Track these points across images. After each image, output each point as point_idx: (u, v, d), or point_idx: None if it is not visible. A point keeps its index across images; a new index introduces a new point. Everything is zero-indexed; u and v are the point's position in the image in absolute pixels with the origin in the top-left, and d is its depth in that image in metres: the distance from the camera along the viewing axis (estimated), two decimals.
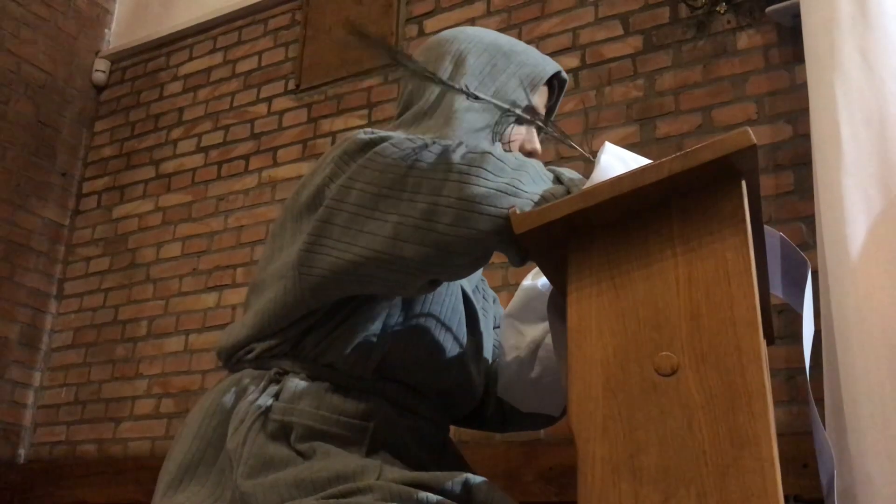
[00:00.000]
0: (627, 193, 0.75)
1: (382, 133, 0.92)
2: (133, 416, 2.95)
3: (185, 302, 3.00)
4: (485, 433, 2.31)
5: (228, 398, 0.96)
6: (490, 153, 0.84)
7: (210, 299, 2.95)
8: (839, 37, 1.53)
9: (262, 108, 3.13)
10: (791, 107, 2.16)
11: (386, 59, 1.02)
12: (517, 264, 0.86)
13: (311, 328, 0.96)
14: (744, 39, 2.32)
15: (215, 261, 2.99)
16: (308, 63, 3.07)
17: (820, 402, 1.60)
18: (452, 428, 2.29)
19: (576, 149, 0.93)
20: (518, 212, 0.80)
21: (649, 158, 0.81)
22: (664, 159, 0.74)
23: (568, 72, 2.53)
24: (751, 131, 0.72)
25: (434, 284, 0.92)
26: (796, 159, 2.11)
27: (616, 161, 0.80)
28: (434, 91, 1.06)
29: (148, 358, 3.00)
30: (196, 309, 2.97)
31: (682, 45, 2.40)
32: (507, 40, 1.11)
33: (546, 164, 0.91)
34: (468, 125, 1.03)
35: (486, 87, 1.06)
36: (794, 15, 1.97)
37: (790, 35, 2.18)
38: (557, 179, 0.85)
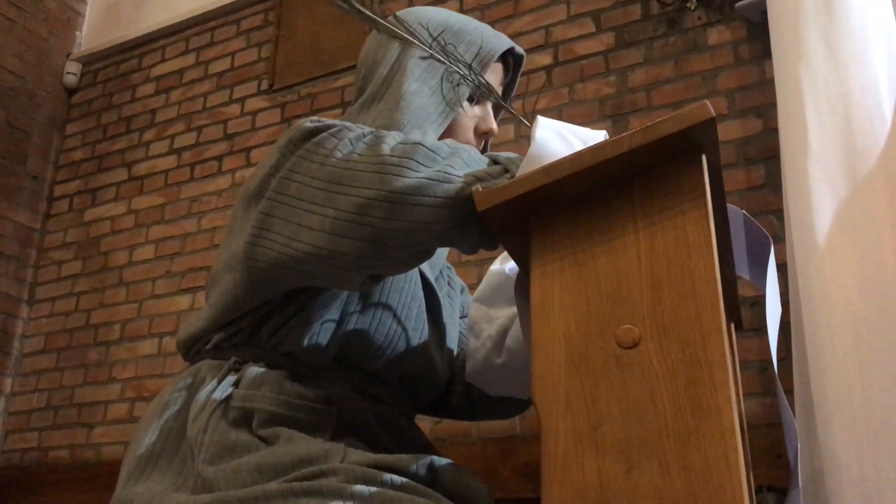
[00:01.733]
0: (588, 169, 0.75)
1: (327, 122, 0.91)
2: (106, 421, 2.91)
3: (159, 305, 2.98)
4: (461, 430, 2.31)
5: (187, 388, 0.95)
6: (421, 143, 0.83)
7: (184, 301, 2.92)
8: (804, 27, 1.55)
9: (235, 109, 3.11)
10: (761, 101, 2.17)
11: (366, 21, 1.01)
12: (467, 251, 0.85)
13: (268, 317, 0.95)
14: (714, 35, 2.34)
15: (189, 263, 2.97)
16: (281, 63, 3.06)
17: (790, 392, 1.62)
18: (430, 426, 2.28)
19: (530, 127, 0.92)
20: (467, 193, 0.78)
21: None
22: (624, 134, 0.74)
23: (541, 69, 2.56)
24: (709, 104, 0.72)
25: (376, 279, 0.91)
26: (767, 153, 2.12)
27: (552, 133, 0.79)
28: (382, 74, 1.06)
29: (121, 362, 2.96)
30: (170, 311, 2.94)
31: (653, 41, 2.42)
32: (457, 19, 1.09)
33: (504, 145, 0.90)
34: (417, 108, 1.02)
35: (436, 68, 1.04)
36: (763, 11, 1.99)
37: (759, 31, 2.20)
38: (494, 161, 0.84)
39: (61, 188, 3.43)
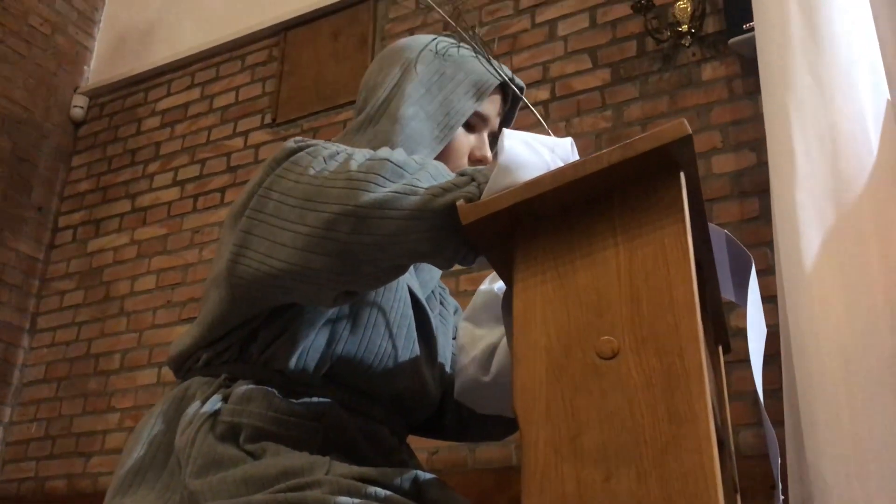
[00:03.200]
0: (569, 184, 0.77)
1: (310, 141, 0.93)
2: (104, 451, 2.91)
3: (159, 334, 2.99)
4: (457, 460, 2.30)
5: (177, 404, 0.96)
6: (388, 159, 0.83)
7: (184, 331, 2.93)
8: (792, 59, 1.58)
9: (238, 142, 3.16)
10: (754, 135, 2.20)
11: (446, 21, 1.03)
12: (441, 266, 0.85)
13: (255, 333, 0.96)
14: (708, 71, 2.38)
15: (189, 293, 2.99)
16: (284, 97, 3.11)
17: (781, 423, 1.62)
18: (426, 457, 2.27)
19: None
20: (435, 206, 0.79)
21: None
22: (604, 150, 0.76)
23: (538, 104, 2.59)
24: (686, 122, 0.74)
25: (350, 295, 0.90)
26: (760, 186, 2.15)
27: (519, 143, 0.79)
28: (381, 97, 1.08)
29: (120, 391, 2.97)
30: (170, 341, 2.95)
31: (648, 77, 2.46)
32: (459, 47, 1.11)
33: None
34: (412, 132, 1.04)
35: (434, 94, 1.06)
36: (756, 47, 2.03)
37: (752, 66, 2.24)
38: (462, 174, 0.84)
39: (65, 219, 3.47)
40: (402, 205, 0.79)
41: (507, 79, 1.08)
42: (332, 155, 0.88)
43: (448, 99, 1.06)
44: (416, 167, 0.84)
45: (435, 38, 1.13)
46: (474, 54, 1.05)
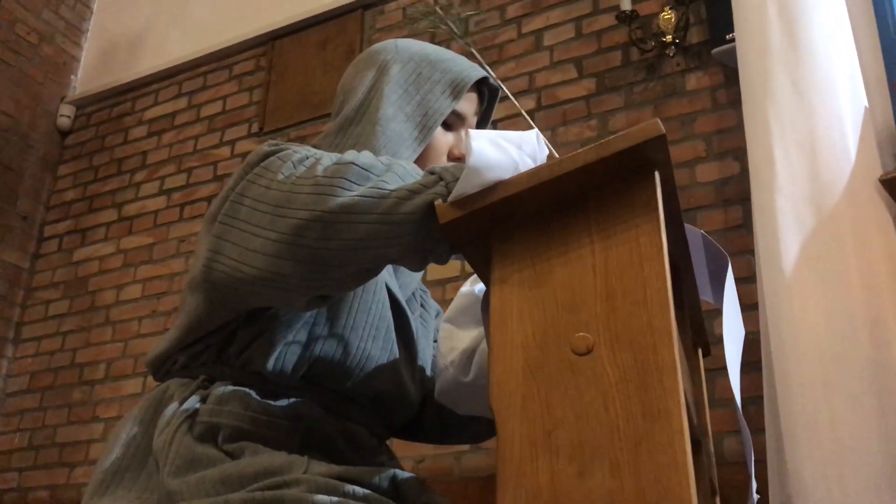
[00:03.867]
0: (546, 183, 0.77)
1: (283, 144, 0.93)
2: (88, 461, 2.89)
3: (145, 343, 2.98)
4: (443, 469, 2.30)
5: (155, 405, 0.96)
6: (353, 162, 0.83)
7: None
8: (771, 66, 1.60)
9: (225, 151, 3.16)
10: (738, 144, 2.22)
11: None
12: (413, 268, 0.85)
13: (232, 336, 0.96)
14: (692, 81, 2.40)
15: (175, 302, 2.98)
16: (271, 107, 3.11)
17: (762, 430, 1.63)
18: (412, 465, 2.27)
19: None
20: (405, 209, 0.79)
21: None
22: (579, 150, 0.77)
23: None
24: (660, 122, 0.75)
25: (323, 300, 0.91)
26: (744, 194, 2.16)
27: (485, 143, 0.79)
28: (359, 99, 1.09)
29: (105, 401, 2.95)
30: None
31: (633, 86, 2.48)
32: (434, 49, 1.13)
33: None
34: (392, 133, 1.04)
35: (411, 95, 1.07)
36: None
37: (736, 76, 2.25)
38: (430, 171, 0.84)
39: (51, 228, 3.45)
40: (369, 208, 0.79)
41: (488, 71, 1.09)
42: (301, 160, 0.89)
43: (426, 99, 1.07)
44: (382, 168, 0.84)
45: (401, 40, 1.14)
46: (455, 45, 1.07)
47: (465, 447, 2.31)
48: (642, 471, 0.67)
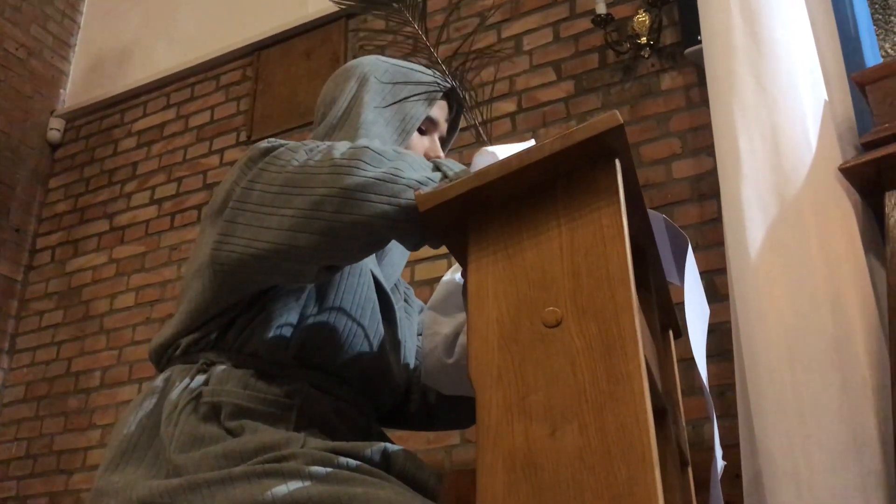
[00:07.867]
0: (515, 172, 0.84)
1: (282, 141, 1.03)
2: (85, 468, 2.93)
3: (139, 351, 3.03)
4: (435, 462, 2.35)
5: (160, 391, 1.03)
6: (368, 147, 0.93)
7: None
8: (736, 63, 1.68)
9: (214, 160, 3.22)
10: (711, 141, 2.25)
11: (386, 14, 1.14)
12: (410, 248, 0.95)
13: (233, 321, 1.04)
14: (667, 81, 2.48)
15: (168, 309, 3.03)
16: (259, 116, 3.18)
17: (735, 416, 1.70)
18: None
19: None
20: (411, 195, 0.88)
21: None
22: (546, 141, 0.84)
23: (505, 116, 2.69)
24: (618, 113, 0.82)
25: (331, 270, 0.99)
26: (718, 189, 2.24)
27: (491, 159, 0.91)
28: (342, 107, 1.18)
29: (101, 408, 3.00)
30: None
31: (610, 87, 2.56)
32: (405, 63, 1.25)
33: None
34: (374, 136, 1.14)
35: (389, 102, 1.18)
36: None
37: None
38: (436, 167, 0.94)
39: (43, 240, 3.50)
40: (382, 190, 0.89)
41: (455, 86, 1.18)
42: (314, 148, 0.98)
43: (403, 106, 1.18)
44: (394, 155, 0.93)
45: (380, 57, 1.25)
46: (423, 66, 1.16)
47: (456, 440, 2.38)
48: (608, 429, 0.74)
